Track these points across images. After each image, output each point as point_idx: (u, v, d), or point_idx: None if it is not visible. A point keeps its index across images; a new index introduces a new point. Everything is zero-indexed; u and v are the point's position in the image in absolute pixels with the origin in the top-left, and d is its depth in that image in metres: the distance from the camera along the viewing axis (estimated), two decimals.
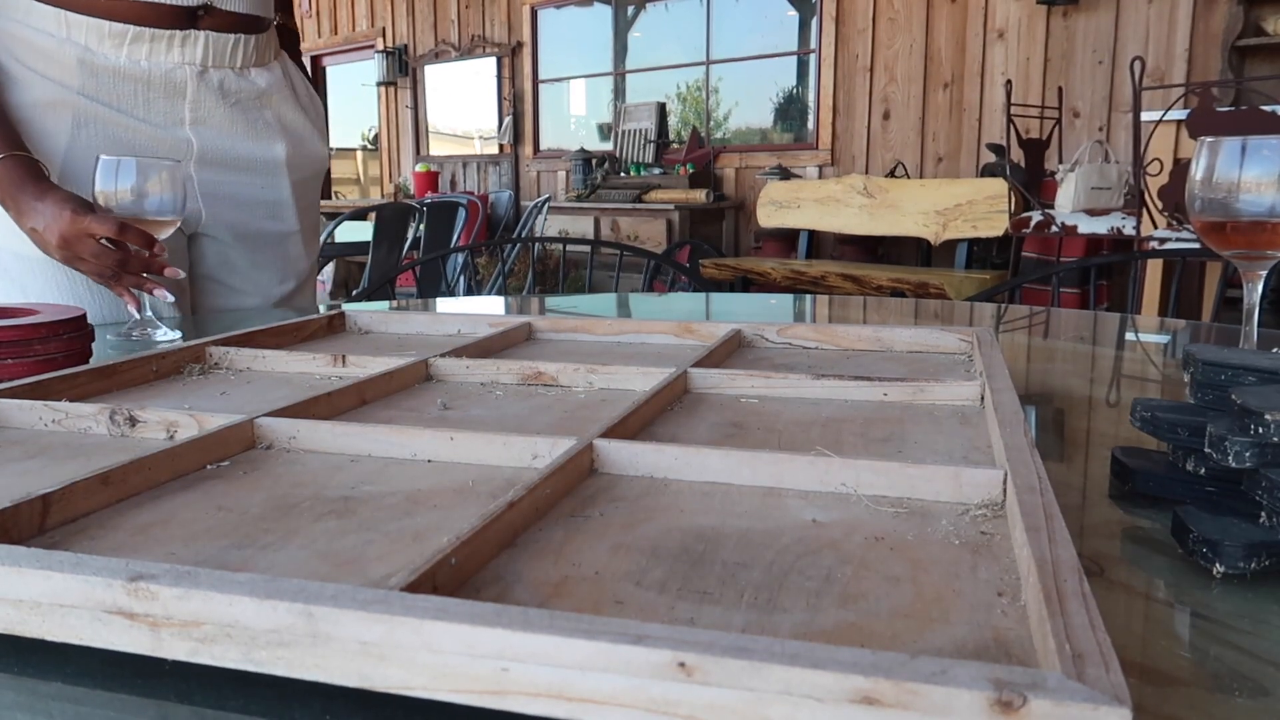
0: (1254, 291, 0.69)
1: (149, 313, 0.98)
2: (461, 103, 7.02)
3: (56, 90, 1.06)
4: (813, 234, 4.93)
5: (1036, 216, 3.72)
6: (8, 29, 1.06)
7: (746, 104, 5.75)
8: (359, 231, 4.67)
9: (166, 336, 0.96)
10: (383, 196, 7.46)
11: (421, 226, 4.16)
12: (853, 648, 0.25)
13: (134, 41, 1.06)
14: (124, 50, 1.07)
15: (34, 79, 1.04)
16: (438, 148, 7.28)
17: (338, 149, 8.47)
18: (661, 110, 5.88)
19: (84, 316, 0.77)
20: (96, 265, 0.93)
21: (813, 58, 5.27)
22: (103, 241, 0.93)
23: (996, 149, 4.28)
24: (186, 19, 1.08)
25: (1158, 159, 3.15)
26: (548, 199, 5.10)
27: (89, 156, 1.01)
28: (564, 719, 0.26)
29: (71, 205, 0.93)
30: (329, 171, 8.41)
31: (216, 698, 0.30)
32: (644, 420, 0.56)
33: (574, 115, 6.59)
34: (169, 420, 0.54)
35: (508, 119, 6.65)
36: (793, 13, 5.43)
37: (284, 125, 1.23)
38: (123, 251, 0.94)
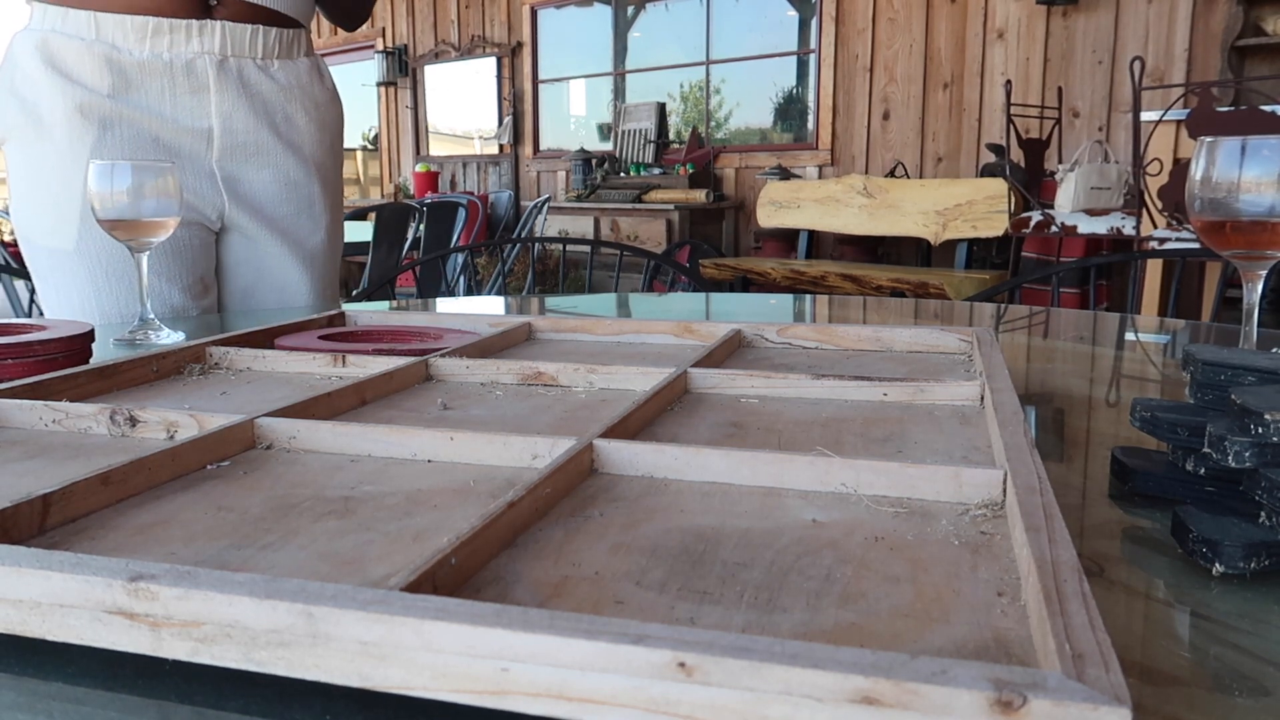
0: (1254, 291, 0.69)
1: (151, 314, 0.97)
2: (461, 103, 7.02)
3: (85, 94, 1.11)
4: (813, 234, 4.93)
5: (1036, 216, 3.72)
6: (48, 40, 1.12)
7: (746, 104, 5.75)
8: (359, 231, 4.67)
9: (169, 339, 0.96)
10: (383, 197, 7.45)
11: (421, 227, 4.16)
12: (853, 648, 0.25)
13: (155, 34, 1.12)
14: (147, 44, 1.13)
15: (67, 86, 1.11)
16: (438, 148, 7.28)
17: None
18: (661, 110, 5.88)
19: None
20: None
21: (812, 58, 5.28)
22: None
23: (996, 149, 4.28)
24: (201, 9, 1.14)
25: (1157, 159, 3.15)
26: (547, 199, 5.09)
27: (115, 156, 1.09)
28: (564, 719, 0.26)
29: None
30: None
31: (216, 698, 0.30)
32: (644, 420, 0.56)
33: (574, 115, 6.59)
34: (169, 420, 0.54)
35: (507, 119, 6.65)
36: (793, 13, 5.43)
37: (306, 121, 1.24)
38: None
